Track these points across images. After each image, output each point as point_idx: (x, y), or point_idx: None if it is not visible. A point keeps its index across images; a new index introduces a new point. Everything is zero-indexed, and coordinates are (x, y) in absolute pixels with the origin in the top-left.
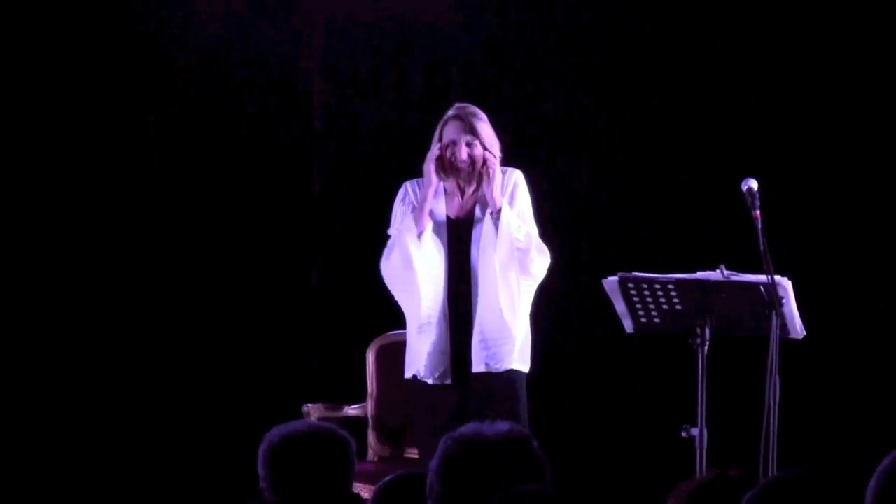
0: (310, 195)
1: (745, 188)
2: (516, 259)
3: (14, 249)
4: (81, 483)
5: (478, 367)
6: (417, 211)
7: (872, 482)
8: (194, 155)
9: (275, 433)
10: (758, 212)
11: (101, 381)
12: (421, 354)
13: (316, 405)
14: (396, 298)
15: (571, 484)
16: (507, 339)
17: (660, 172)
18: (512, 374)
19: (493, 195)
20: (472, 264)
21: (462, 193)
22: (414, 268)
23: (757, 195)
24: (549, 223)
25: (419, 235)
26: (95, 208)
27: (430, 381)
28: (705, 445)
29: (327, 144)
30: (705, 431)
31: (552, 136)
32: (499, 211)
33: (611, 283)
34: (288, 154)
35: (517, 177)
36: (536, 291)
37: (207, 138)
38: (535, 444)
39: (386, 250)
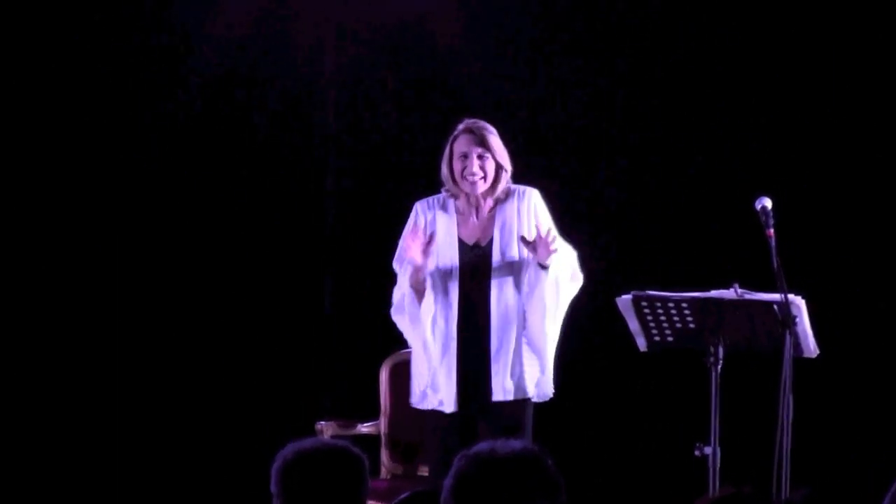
0: (323, 213)
1: (758, 207)
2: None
3: (23, 258)
4: (93, 494)
5: (497, 395)
6: (415, 293)
7: (886, 501)
8: (207, 173)
9: (288, 450)
10: (772, 230)
11: (116, 396)
12: (428, 381)
13: (329, 423)
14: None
15: (586, 502)
16: (535, 366)
17: (674, 190)
18: (526, 403)
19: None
20: (490, 291)
21: (477, 212)
22: (421, 322)
23: (771, 214)
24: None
25: (420, 301)
26: (107, 220)
27: (441, 409)
28: (718, 463)
29: (340, 160)
30: (718, 449)
31: (565, 153)
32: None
33: (624, 301)
34: (300, 171)
35: (537, 198)
36: None
37: (218, 156)
38: (550, 461)
39: (394, 300)
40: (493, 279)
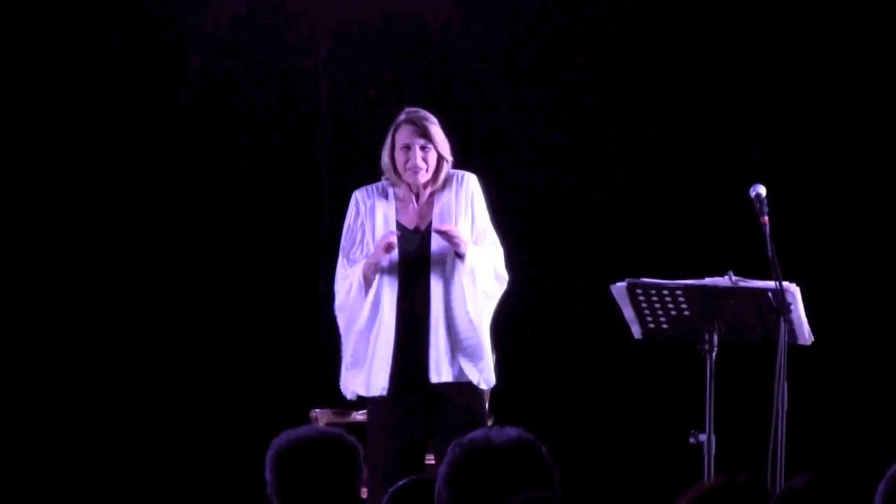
0: (316, 201)
1: (753, 194)
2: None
3: (20, 256)
4: (88, 485)
5: (436, 377)
6: (364, 280)
7: (881, 487)
8: (203, 164)
9: (282, 439)
10: (766, 218)
11: (108, 385)
12: (367, 369)
13: (324, 410)
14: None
15: (580, 490)
16: (478, 349)
17: (668, 178)
18: (475, 390)
19: (458, 243)
20: (430, 275)
21: (417, 198)
22: (363, 309)
23: (765, 201)
24: (558, 228)
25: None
26: (104, 217)
27: (377, 395)
28: (713, 451)
29: (336, 155)
30: (713, 437)
31: (558, 141)
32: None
33: (619, 288)
34: (297, 166)
35: (474, 184)
36: (547, 296)
37: (213, 153)
38: (544, 450)
39: (339, 295)
40: (432, 263)
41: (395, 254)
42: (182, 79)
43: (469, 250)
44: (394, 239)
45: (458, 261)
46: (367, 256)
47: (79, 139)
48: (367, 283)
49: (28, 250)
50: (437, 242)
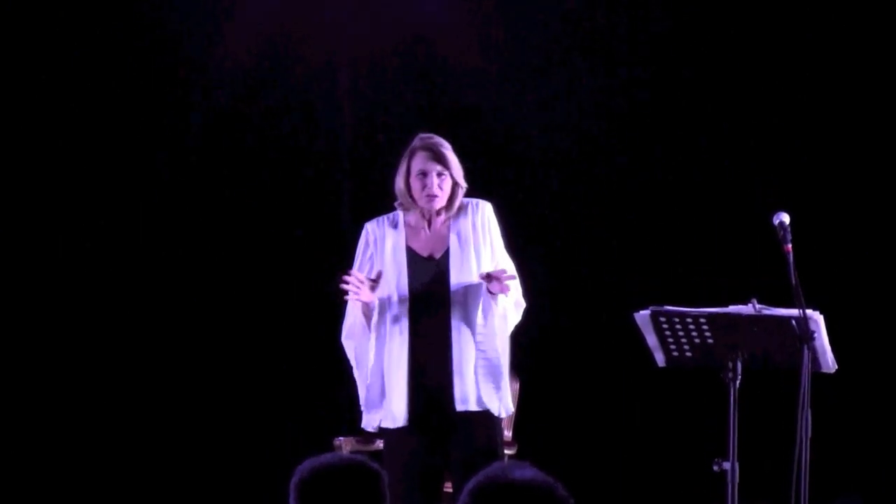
0: (339, 227)
1: (776, 222)
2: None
3: (41, 262)
4: None
5: (461, 405)
6: (363, 327)
7: None
8: (227, 185)
9: (306, 466)
10: (789, 245)
11: (135, 410)
12: (384, 402)
13: (347, 438)
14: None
15: None
16: (500, 377)
17: (692, 206)
18: (494, 420)
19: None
20: (450, 303)
21: (429, 225)
22: (370, 342)
23: (788, 229)
24: (581, 256)
25: (370, 324)
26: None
27: (390, 426)
28: (737, 479)
29: (356, 174)
30: (737, 465)
31: (579, 167)
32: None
33: (642, 316)
34: (318, 185)
35: (490, 212)
36: (571, 324)
37: (237, 168)
38: (560, 488)
39: (345, 326)
40: (452, 291)
41: (391, 278)
42: (202, 92)
43: (501, 299)
44: (366, 296)
45: (491, 299)
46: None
47: (105, 148)
48: (368, 319)
49: (54, 257)
50: (456, 270)
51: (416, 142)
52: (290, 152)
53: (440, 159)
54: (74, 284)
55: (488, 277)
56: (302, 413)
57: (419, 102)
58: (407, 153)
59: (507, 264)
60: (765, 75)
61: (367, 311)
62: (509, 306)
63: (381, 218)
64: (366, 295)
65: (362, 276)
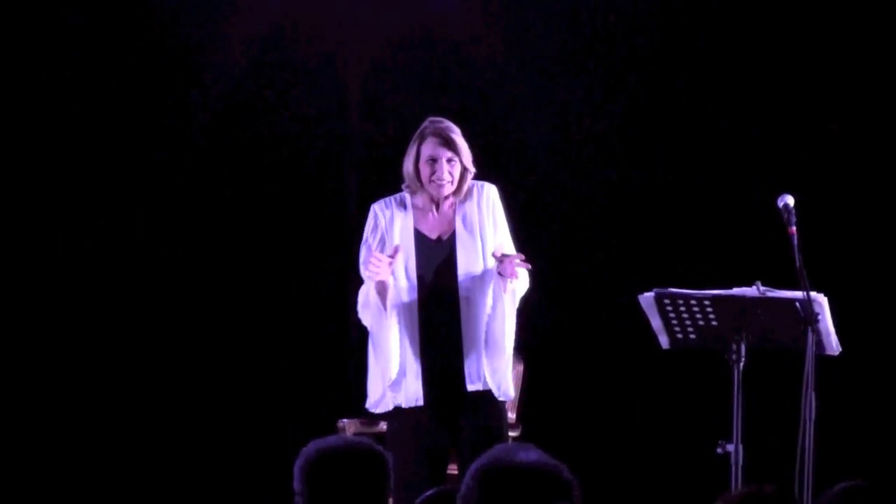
0: (345, 216)
1: (780, 204)
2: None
3: (53, 262)
4: (113, 495)
5: (472, 385)
6: (378, 307)
7: None
8: (235, 179)
9: (311, 448)
10: (794, 228)
11: (140, 395)
12: (398, 381)
13: (352, 420)
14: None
15: (607, 500)
16: (506, 359)
17: (696, 188)
18: (500, 402)
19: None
20: (458, 284)
21: (437, 207)
22: (387, 319)
23: (793, 211)
24: (586, 238)
25: (385, 302)
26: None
27: (404, 405)
28: (741, 461)
29: (362, 168)
30: (741, 447)
31: (584, 151)
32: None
33: (647, 298)
34: (325, 175)
35: (495, 195)
36: (575, 306)
37: (246, 164)
38: (566, 470)
39: (360, 299)
40: (459, 272)
41: (411, 264)
42: (207, 89)
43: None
44: (386, 275)
45: (500, 282)
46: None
47: (110, 147)
48: (383, 298)
49: (62, 257)
50: (463, 251)
51: (427, 126)
52: (296, 145)
53: (450, 145)
54: (73, 280)
55: (502, 259)
56: (306, 395)
57: (426, 95)
58: (417, 137)
59: (509, 246)
60: (769, 58)
61: (381, 289)
62: (518, 288)
63: (388, 199)
64: (385, 273)
65: (382, 256)
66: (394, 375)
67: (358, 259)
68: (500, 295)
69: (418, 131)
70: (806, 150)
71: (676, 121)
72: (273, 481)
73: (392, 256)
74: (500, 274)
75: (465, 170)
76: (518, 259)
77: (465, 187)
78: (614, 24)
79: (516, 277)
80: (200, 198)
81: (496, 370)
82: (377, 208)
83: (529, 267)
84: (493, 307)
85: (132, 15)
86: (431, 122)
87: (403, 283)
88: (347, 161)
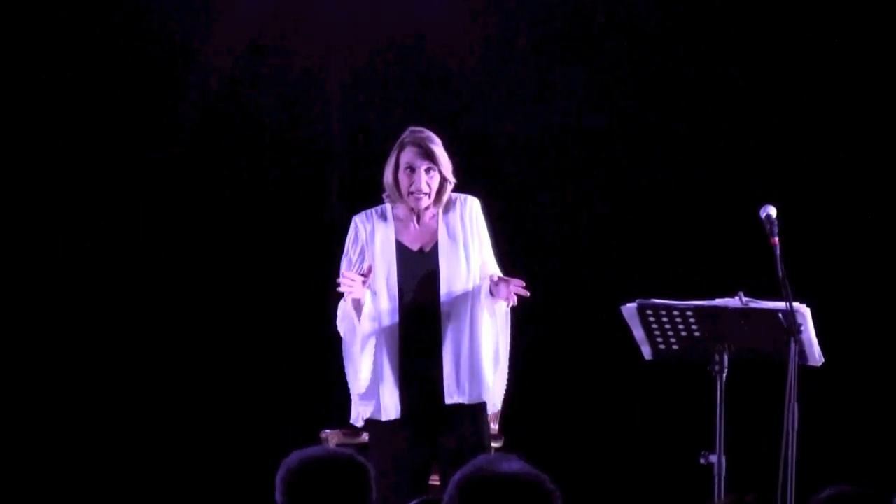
0: (328, 224)
1: (763, 215)
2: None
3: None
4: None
5: (450, 398)
6: (350, 319)
7: None
8: (214, 178)
9: (293, 459)
10: (776, 238)
11: (121, 402)
12: (376, 394)
13: (334, 431)
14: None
15: None
16: (488, 371)
17: (679, 199)
18: (483, 412)
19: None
20: (440, 296)
21: (418, 219)
22: (362, 332)
23: (775, 222)
24: (568, 249)
25: (359, 315)
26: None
27: (380, 417)
28: (724, 472)
29: (345, 167)
30: (724, 458)
31: (566, 160)
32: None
33: (629, 309)
34: (306, 178)
35: (478, 208)
36: (558, 317)
37: (226, 161)
38: (547, 480)
39: (339, 311)
40: (442, 284)
41: (380, 271)
42: (191, 84)
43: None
44: (359, 293)
45: (492, 301)
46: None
47: (93, 144)
48: (357, 312)
49: (46, 256)
50: (446, 263)
51: (407, 135)
52: (280, 148)
53: (429, 155)
54: (60, 280)
55: (498, 282)
56: (289, 406)
57: (410, 98)
58: (397, 146)
59: (492, 262)
60: (751, 70)
61: (356, 304)
62: (500, 309)
63: (369, 211)
64: (358, 291)
65: (354, 275)
66: (363, 387)
67: (339, 270)
68: (486, 310)
69: (398, 141)
70: (788, 161)
71: (659, 132)
72: (255, 492)
73: (365, 275)
74: (491, 293)
75: (444, 180)
76: (518, 287)
77: (445, 197)
78: (598, 34)
79: (513, 302)
80: (183, 203)
81: (478, 383)
82: (358, 220)
83: (528, 294)
84: (476, 320)
85: (116, 17)
86: (412, 131)
87: (384, 294)
88: (330, 167)
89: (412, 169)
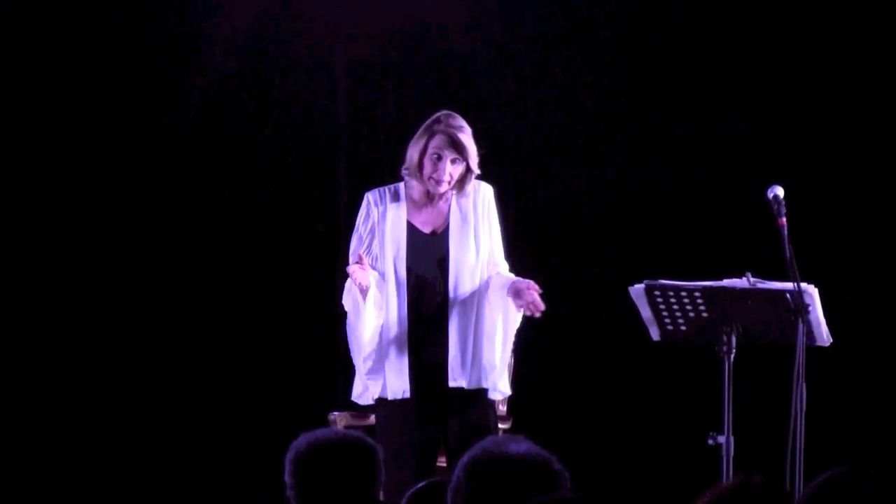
0: (335, 211)
1: (770, 195)
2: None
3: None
4: (104, 488)
5: (454, 381)
6: (356, 300)
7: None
8: (220, 170)
9: (301, 441)
10: (784, 219)
11: (128, 387)
12: (383, 374)
13: (342, 413)
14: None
15: (598, 492)
16: (495, 357)
17: (686, 179)
18: (488, 400)
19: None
20: (448, 279)
21: (431, 201)
22: (367, 311)
23: (783, 202)
24: (576, 230)
25: (365, 296)
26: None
27: (388, 397)
28: (732, 453)
29: (351, 156)
30: (731, 439)
31: (573, 144)
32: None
33: (637, 290)
34: (314, 165)
35: (490, 195)
36: (566, 298)
37: (231, 154)
38: (555, 461)
39: (346, 286)
40: (451, 267)
41: (390, 250)
42: (194, 78)
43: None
44: (364, 280)
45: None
46: (372, 261)
47: (92, 142)
48: (363, 294)
49: (46, 254)
50: (456, 246)
51: (439, 121)
52: (284, 140)
53: (458, 147)
54: (60, 279)
55: (518, 292)
56: (297, 388)
57: (417, 89)
58: (427, 129)
59: (499, 250)
60: (759, 48)
61: (362, 288)
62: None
63: (382, 189)
64: (363, 278)
65: (358, 268)
66: (368, 365)
67: (349, 249)
68: (496, 298)
69: (431, 121)
70: (795, 141)
71: (666, 114)
72: (264, 474)
73: (360, 263)
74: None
75: (468, 170)
76: (534, 294)
77: (468, 187)
78: (602, 21)
79: (528, 312)
80: (189, 194)
81: (485, 367)
82: (371, 198)
83: (539, 313)
84: (483, 305)
85: (117, 11)
86: (445, 115)
87: (392, 276)
88: (337, 155)
89: (439, 157)
